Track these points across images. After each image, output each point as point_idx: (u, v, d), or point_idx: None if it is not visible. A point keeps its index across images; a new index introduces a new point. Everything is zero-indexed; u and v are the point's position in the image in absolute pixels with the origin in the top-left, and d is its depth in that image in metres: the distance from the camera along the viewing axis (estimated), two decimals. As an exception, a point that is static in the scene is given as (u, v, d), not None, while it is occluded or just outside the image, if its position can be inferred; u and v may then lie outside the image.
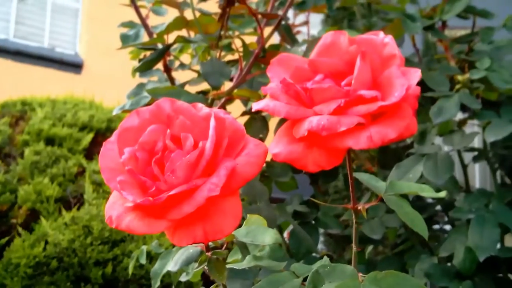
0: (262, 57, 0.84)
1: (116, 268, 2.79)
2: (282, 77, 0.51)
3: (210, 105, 0.82)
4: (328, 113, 0.46)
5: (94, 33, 6.02)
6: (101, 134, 3.44)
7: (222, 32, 0.84)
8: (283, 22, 1.05)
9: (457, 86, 0.93)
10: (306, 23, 1.30)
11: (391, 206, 0.53)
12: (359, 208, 0.54)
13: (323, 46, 0.52)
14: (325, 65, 0.50)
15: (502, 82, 0.90)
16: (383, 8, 1.20)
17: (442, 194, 0.58)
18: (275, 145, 0.49)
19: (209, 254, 0.57)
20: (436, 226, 1.35)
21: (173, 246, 1.26)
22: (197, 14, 0.86)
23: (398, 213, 0.53)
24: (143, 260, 1.50)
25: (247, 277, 0.82)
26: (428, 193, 0.56)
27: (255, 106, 0.50)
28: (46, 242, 2.24)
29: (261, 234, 0.60)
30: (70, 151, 3.21)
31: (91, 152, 3.34)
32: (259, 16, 0.82)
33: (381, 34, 0.50)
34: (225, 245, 0.60)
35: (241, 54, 0.86)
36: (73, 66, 5.98)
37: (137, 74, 1.27)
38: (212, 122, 0.49)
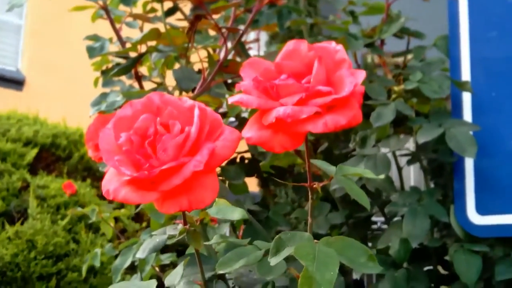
0: (225, 66, 0.94)
1: (60, 282, 2.81)
2: (253, 77, 0.62)
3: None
4: (292, 104, 0.58)
5: (37, 50, 5.99)
6: (46, 150, 3.45)
7: (190, 45, 0.95)
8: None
9: (393, 96, 1.07)
10: (257, 40, 1.42)
11: (341, 184, 0.65)
12: (314, 186, 0.65)
13: (287, 52, 0.63)
14: (288, 67, 0.62)
15: (432, 92, 1.04)
16: (328, 28, 1.34)
17: (381, 176, 0.70)
18: (247, 131, 0.60)
19: (187, 226, 0.67)
20: (374, 226, 1.49)
21: (115, 258, 1.32)
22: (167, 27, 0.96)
23: (346, 189, 0.65)
24: (97, 263, 1.57)
25: (208, 263, 0.91)
26: (369, 175, 0.68)
27: (231, 99, 0.61)
28: (-11, 257, 2.25)
29: (230, 212, 0.71)
30: (14, 165, 3.22)
31: (35, 167, 3.34)
32: (223, 30, 0.93)
33: (333, 43, 0.62)
34: (198, 221, 0.70)
35: (206, 63, 0.96)
36: (15, 82, 5.91)
37: (99, 84, 1.36)
38: (196, 111, 0.59)
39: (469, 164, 1.11)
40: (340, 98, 0.58)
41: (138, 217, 3.16)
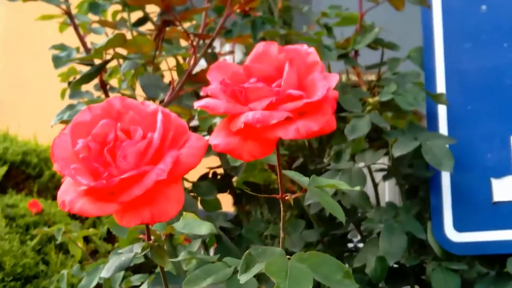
0: (194, 75, 0.91)
1: (29, 305, 2.72)
2: (220, 80, 0.58)
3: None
4: (261, 109, 0.54)
5: (6, 65, 5.88)
6: (15, 167, 3.36)
7: (158, 52, 0.91)
8: (209, 50, 1.13)
9: (368, 108, 1.04)
10: (231, 52, 1.39)
11: (315, 196, 0.61)
12: (286, 198, 0.61)
13: (256, 55, 0.60)
14: (258, 70, 0.58)
15: (407, 104, 1.02)
16: (302, 40, 1.31)
17: (357, 188, 0.66)
18: (214, 138, 0.56)
19: (151, 242, 0.63)
20: (351, 245, 1.45)
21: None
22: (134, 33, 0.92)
23: (320, 202, 0.61)
24: (64, 285, 1.50)
25: (176, 282, 0.86)
26: (343, 187, 0.64)
27: (197, 104, 0.57)
28: (-45, 277, 2.17)
29: (197, 226, 0.67)
30: (-18, 184, 3.12)
31: (4, 185, 3.25)
32: (192, 37, 0.90)
33: (305, 46, 0.59)
34: (164, 236, 0.66)
35: (174, 72, 0.93)
36: (-17, 98, 5.79)
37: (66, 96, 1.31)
38: (160, 116, 0.55)
39: (445, 179, 1.08)
40: (312, 103, 0.54)
41: (110, 238, 3.08)
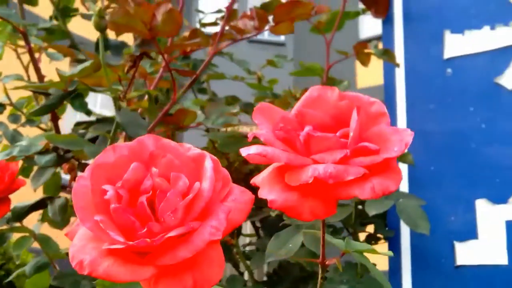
0: (169, 115, 0.81)
1: None
2: (271, 124, 0.50)
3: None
4: (333, 162, 0.47)
5: None
6: None
7: (128, 86, 0.80)
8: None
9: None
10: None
11: (358, 259, 0.55)
12: (327, 263, 0.54)
13: (310, 99, 0.52)
14: (313, 117, 0.51)
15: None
16: (251, 87, 1.26)
17: (390, 253, 0.60)
18: (269, 192, 0.48)
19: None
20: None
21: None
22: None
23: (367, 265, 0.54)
24: None
25: None
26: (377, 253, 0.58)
27: (247, 151, 0.49)
28: None
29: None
30: None
31: None
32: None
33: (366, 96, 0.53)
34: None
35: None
36: None
37: None
38: (210, 163, 0.46)
39: (405, 240, 1.05)
40: (386, 160, 0.48)
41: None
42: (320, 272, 0.55)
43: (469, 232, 1.01)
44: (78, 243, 0.45)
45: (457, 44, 1.10)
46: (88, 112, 1.34)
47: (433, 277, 1.03)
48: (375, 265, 1.01)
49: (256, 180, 0.52)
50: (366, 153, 0.48)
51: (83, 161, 0.76)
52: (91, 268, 0.43)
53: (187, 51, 1.02)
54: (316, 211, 0.47)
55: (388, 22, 1.17)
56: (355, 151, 0.47)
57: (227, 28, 0.86)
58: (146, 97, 0.92)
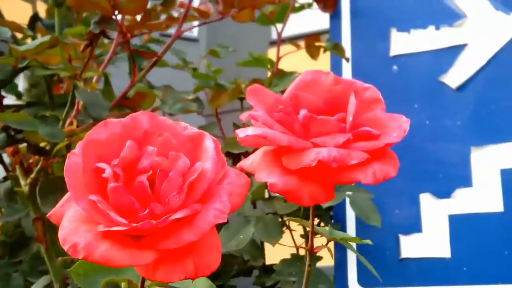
0: (126, 99, 0.77)
1: None
2: (267, 106, 0.49)
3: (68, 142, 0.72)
4: (335, 146, 0.46)
5: None
6: None
7: (85, 65, 0.75)
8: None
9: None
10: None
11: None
12: (315, 250, 0.53)
13: (303, 82, 0.51)
14: (307, 101, 0.50)
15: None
16: (196, 77, 1.24)
17: (368, 241, 0.61)
18: (268, 175, 0.46)
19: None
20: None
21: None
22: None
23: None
24: None
25: None
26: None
27: (244, 133, 0.47)
28: None
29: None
30: None
31: None
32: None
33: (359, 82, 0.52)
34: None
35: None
36: None
37: None
38: (211, 143, 0.44)
39: (351, 233, 1.06)
40: (384, 146, 0.48)
41: None
42: (308, 259, 0.54)
43: (414, 226, 1.04)
44: (69, 225, 0.42)
45: (403, 42, 1.12)
46: (19, 95, 1.26)
47: (378, 269, 1.04)
48: (321, 258, 1.03)
49: (245, 164, 0.50)
50: (366, 138, 0.47)
51: (33, 143, 0.71)
52: (87, 252, 0.40)
53: (151, 31, 0.98)
54: (315, 195, 0.46)
55: (335, 17, 1.18)
56: (356, 135, 0.47)
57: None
58: (95, 78, 0.88)
